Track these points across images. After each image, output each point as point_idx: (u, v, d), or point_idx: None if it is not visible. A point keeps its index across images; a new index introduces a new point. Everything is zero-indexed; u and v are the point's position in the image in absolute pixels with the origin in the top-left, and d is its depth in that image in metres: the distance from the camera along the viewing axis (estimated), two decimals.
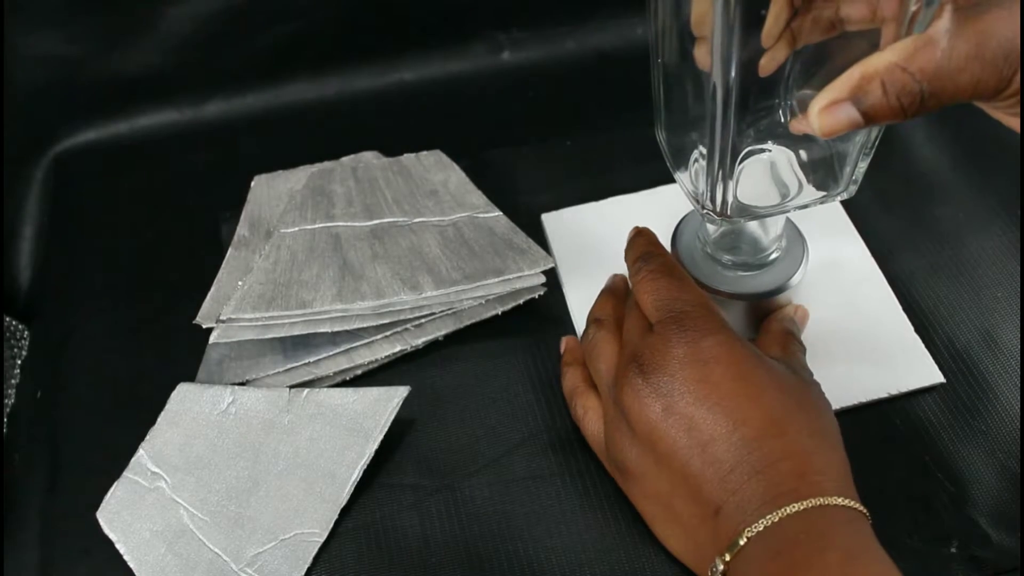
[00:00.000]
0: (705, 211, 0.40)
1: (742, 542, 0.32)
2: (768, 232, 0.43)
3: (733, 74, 0.33)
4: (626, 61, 0.64)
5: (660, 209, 0.51)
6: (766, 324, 0.44)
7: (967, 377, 0.44)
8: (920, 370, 0.44)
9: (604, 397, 0.40)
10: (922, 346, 0.45)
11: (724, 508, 0.34)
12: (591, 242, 0.51)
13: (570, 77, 0.63)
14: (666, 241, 0.45)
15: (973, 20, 0.29)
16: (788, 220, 0.45)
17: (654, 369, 0.37)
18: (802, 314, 0.45)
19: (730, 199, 0.39)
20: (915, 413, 0.44)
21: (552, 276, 0.49)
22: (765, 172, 0.41)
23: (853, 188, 0.40)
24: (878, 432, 0.43)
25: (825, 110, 0.31)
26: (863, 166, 0.39)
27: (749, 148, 0.40)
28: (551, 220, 0.53)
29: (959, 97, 0.30)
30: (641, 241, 0.43)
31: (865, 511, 0.33)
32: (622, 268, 0.44)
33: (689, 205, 0.43)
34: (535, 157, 0.57)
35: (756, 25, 0.32)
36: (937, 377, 0.44)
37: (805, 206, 0.41)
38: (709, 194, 0.39)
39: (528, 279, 0.47)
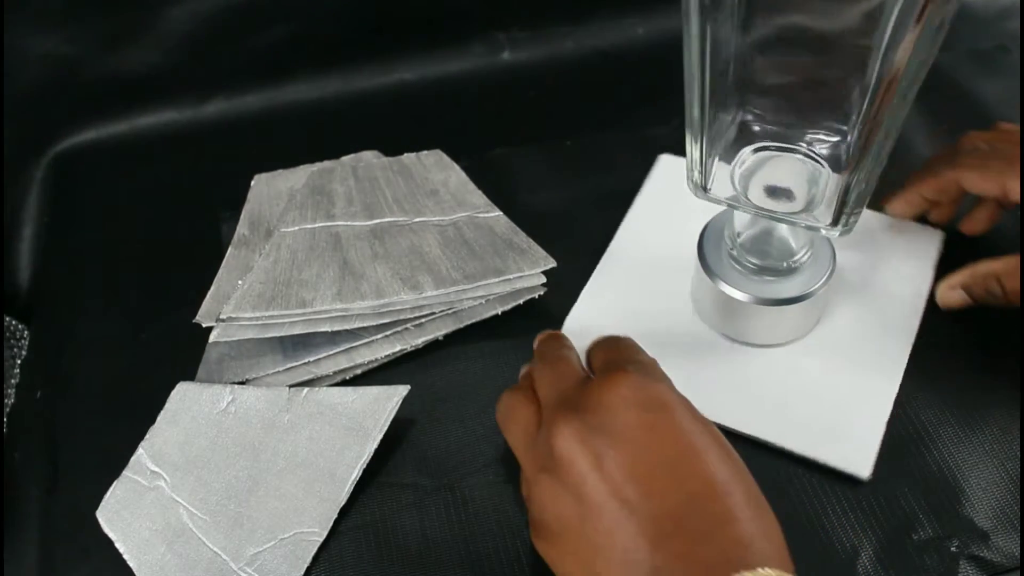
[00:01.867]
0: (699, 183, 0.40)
1: None
2: (799, 236, 0.43)
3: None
4: (626, 61, 0.64)
5: (638, 263, 0.50)
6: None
7: (967, 376, 0.45)
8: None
9: (523, 458, 0.36)
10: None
11: (662, 571, 0.30)
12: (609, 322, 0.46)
13: (570, 77, 0.63)
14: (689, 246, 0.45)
15: None
16: None
17: (594, 410, 0.33)
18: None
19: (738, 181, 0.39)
20: (915, 413, 0.44)
21: (552, 276, 0.49)
22: (784, 173, 0.41)
23: (845, 230, 0.39)
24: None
25: (945, 292, 0.45)
26: (858, 212, 0.39)
27: (767, 145, 0.40)
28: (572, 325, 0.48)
29: None
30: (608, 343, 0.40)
31: None
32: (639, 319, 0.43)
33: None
34: (535, 157, 0.57)
35: None
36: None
37: (794, 222, 0.40)
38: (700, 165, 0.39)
39: (528, 279, 0.47)
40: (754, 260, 0.43)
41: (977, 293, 0.44)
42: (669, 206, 0.51)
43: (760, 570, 0.29)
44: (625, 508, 0.31)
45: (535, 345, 0.41)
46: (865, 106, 0.34)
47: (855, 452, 0.42)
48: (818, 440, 0.42)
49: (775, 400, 0.44)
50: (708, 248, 0.45)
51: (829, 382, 0.44)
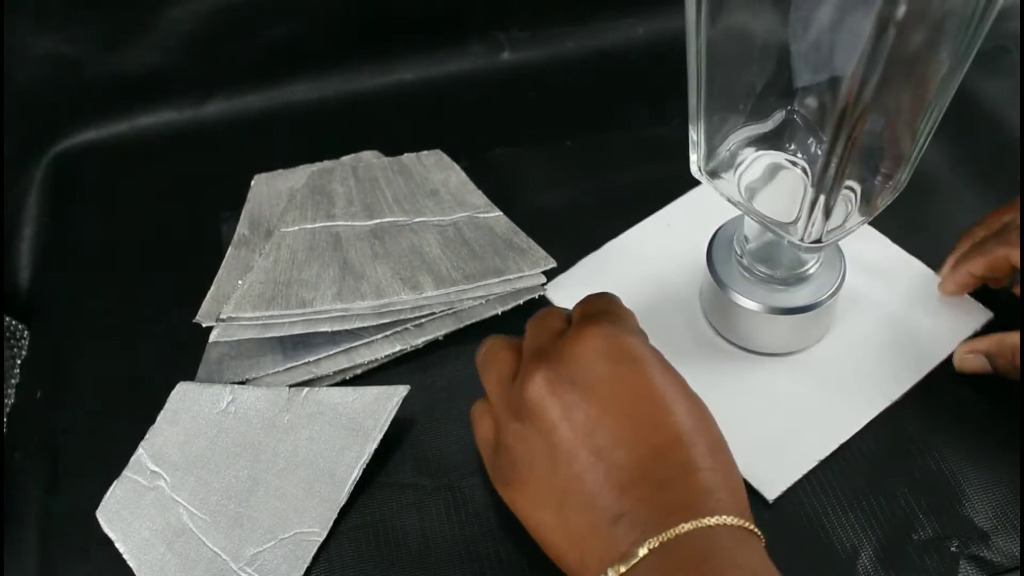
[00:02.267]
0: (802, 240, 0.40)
1: (642, 553, 0.31)
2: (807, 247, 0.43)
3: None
4: (626, 61, 0.64)
5: (651, 242, 0.51)
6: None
7: (967, 376, 0.44)
8: (972, 313, 0.45)
9: (496, 402, 0.37)
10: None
11: (624, 518, 0.32)
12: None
13: (570, 77, 0.63)
14: (671, 267, 0.45)
15: None
16: None
17: (567, 361, 0.35)
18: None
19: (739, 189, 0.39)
20: (915, 413, 0.44)
21: (552, 276, 0.49)
22: (780, 183, 0.40)
23: (813, 245, 0.40)
24: (878, 432, 0.43)
25: (967, 353, 0.44)
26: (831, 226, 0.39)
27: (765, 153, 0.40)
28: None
29: None
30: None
31: (760, 534, 0.32)
32: (648, 305, 0.43)
33: (676, 233, 0.43)
34: (535, 157, 0.57)
35: None
36: (987, 314, 0.45)
37: (871, 215, 0.40)
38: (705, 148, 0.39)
39: (528, 279, 0.47)
40: (762, 269, 0.43)
41: (1001, 364, 0.42)
42: (691, 221, 0.51)
43: (719, 517, 0.31)
44: (592, 455, 0.33)
45: None
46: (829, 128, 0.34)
47: (772, 472, 0.41)
48: (754, 449, 0.41)
49: (751, 407, 0.44)
50: (717, 253, 0.45)
51: (806, 399, 0.44)
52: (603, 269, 0.50)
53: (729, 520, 0.31)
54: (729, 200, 0.41)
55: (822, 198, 0.37)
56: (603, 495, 0.33)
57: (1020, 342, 0.41)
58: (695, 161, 0.41)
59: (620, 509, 0.32)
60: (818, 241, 0.39)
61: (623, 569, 0.31)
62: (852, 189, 0.39)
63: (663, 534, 0.31)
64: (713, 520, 0.31)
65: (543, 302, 0.48)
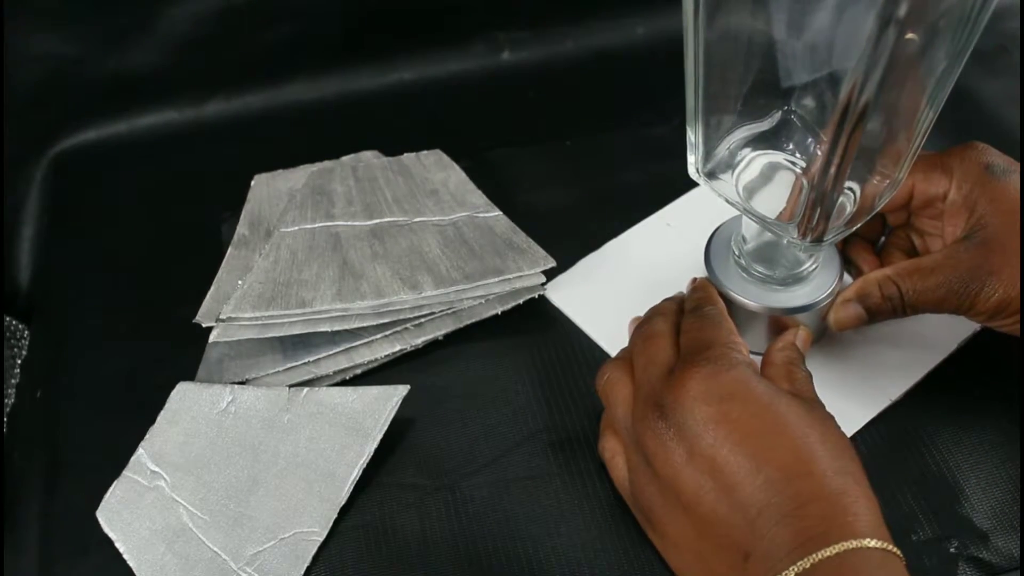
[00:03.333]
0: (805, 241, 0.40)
1: None
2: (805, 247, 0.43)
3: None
4: (626, 61, 0.64)
5: (651, 242, 0.51)
6: (768, 356, 0.40)
7: (967, 376, 0.45)
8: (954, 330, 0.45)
9: (625, 442, 0.39)
10: None
11: (753, 554, 0.32)
12: (603, 293, 0.49)
13: (570, 77, 0.63)
14: (670, 264, 0.45)
15: (952, 255, 0.40)
16: None
17: (673, 409, 0.35)
18: (804, 337, 0.42)
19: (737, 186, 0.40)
20: (915, 413, 0.44)
21: (552, 276, 0.49)
22: (778, 183, 0.40)
23: (900, 182, 0.40)
24: (878, 433, 0.43)
25: (839, 308, 0.42)
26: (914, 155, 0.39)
27: (764, 153, 0.40)
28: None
29: (933, 309, 0.40)
30: (698, 293, 0.42)
31: (899, 553, 0.32)
32: (644, 303, 0.43)
33: (677, 232, 0.44)
34: (535, 157, 0.57)
35: None
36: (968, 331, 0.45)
37: (868, 216, 0.40)
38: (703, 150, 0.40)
39: (528, 279, 0.47)
40: (760, 269, 0.43)
41: (874, 302, 0.41)
42: (692, 221, 0.51)
43: (847, 543, 0.31)
44: (716, 496, 0.34)
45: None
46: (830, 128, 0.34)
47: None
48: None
49: None
50: (715, 253, 0.45)
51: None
52: (603, 269, 0.50)
53: (859, 544, 0.31)
54: (727, 201, 0.41)
55: (823, 198, 0.37)
56: (733, 534, 0.33)
57: (896, 271, 0.41)
58: (693, 163, 0.41)
59: (750, 546, 0.32)
60: (819, 241, 0.39)
61: None
62: (851, 189, 0.39)
63: (791, 568, 0.31)
64: (840, 547, 0.31)
65: (543, 302, 0.48)
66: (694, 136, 0.40)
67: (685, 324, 0.40)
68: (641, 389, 0.38)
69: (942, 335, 0.45)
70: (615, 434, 0.40)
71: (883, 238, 0.46)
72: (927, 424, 0.43)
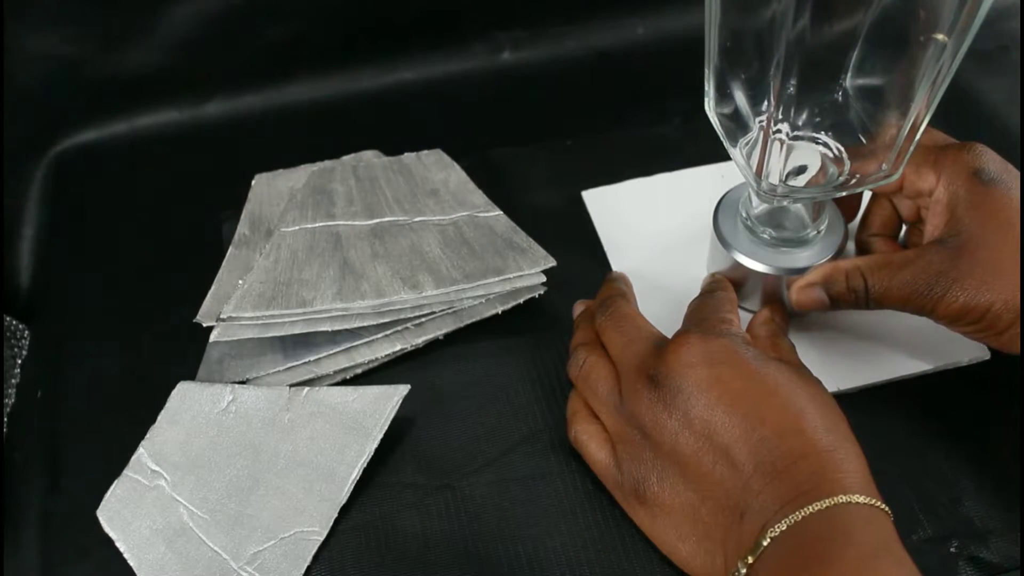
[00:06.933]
0: (760, 189, 0.41)
1: (765, 543, 0.32)
2: (814, 211, 0.44)
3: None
4: (626, 61, 0.64)
5: (698, 188, 0.52)
6: (751, 330, 0.44)
7: (967, 375, 0.44)
8: (968, 345, 0.44)
9: (611, 420, 0.39)
10: None
11: (747, 512, 0.34)
12: (635, 219, 0.52)
13: (570, 77, 0.63)
14: (709, 213, 0.46)
15: (923, 256, 0.39)
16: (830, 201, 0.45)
17: (666, 377, 0.37)
18: (779, 313, 0.44)
19: (777, 177, 0.40)
20: (915, 414, 0.44)
21: (552, 276, 0.49)
22: (815, 159, 0.41)
23: (897, 174, 0.40)
24: (879, 433, 0.43)
25: (801, 289, 0.42)
26: (910, 149, 0.39)
27: (801, 134, 0.40)
28: (593, 198, 0.53)
29: (896, 306, 0.40)
30: (714, 279, 0.45)
31: (887, 509, 0.33)
32: (665, 244, 0.46)
33: (728, 185, 0.46)
34: (535, 157, 0.57)
35: None
36: (984, 354, 0.44)
37: (849, 191, 0.41)
38: (756, 168, 0.40)
39: (528, 278, 0.47)
40: (767, 231, 0.44)
41: (838, 291, 0.41)
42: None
43: (836, 498, 0.32)
44: (713, 457, 0.35)
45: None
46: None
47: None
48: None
49: None
50: (723, 215, 0.46)
51: (811, 362, 0.43)
52: (646, 195, 0.53)
53: (848, 499, 0.32)
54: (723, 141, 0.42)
55: (771, 133, 0.38)
56: (730, 494, 0.34)
57: (867, 263, 0.41)
58: (707, 104, 0.42)
59: (745, 504, 0.34)
60: (772, 192, 0.40)
61: (751, 560, 0.32)
62: (828, 147, 0.40)
63: (783, 521, 0.32)
64: (830, 502, 0.32)
65: (543, 302, 0.48)
66: (708, 73, 0.41)
67: (691, 303, 0.43)
68: (626, 365, 0.39)
69: (940, 349, 0.45)
70: (587, 418, 0.41)
71: (903, 231, 0.46)
72: (927, 424, 0.43)
